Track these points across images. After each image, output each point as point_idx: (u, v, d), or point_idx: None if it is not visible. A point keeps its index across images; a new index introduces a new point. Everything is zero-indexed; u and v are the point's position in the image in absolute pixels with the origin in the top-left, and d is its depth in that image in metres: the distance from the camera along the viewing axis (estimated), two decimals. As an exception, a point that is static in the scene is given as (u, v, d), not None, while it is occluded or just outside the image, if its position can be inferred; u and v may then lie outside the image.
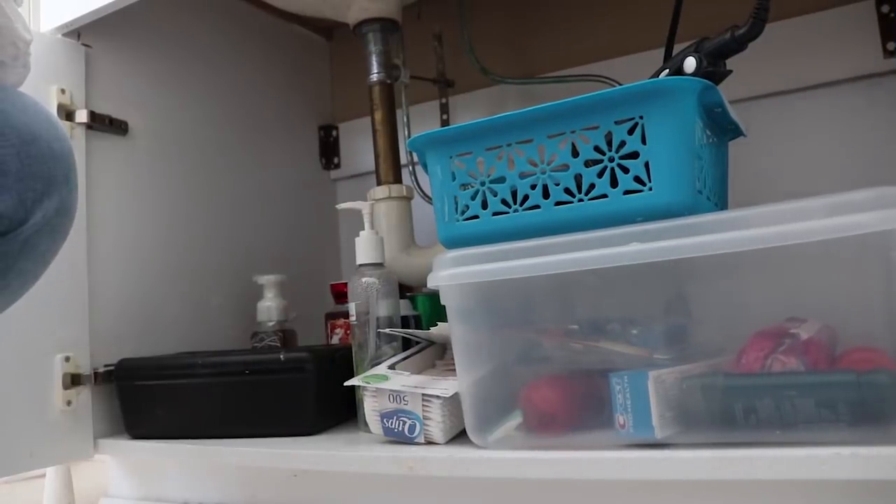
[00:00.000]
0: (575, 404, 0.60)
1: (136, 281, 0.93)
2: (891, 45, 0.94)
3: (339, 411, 0.79)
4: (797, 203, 0.49)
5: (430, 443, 0.65)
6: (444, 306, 0.63)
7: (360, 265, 0.77)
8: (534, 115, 0.62)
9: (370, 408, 0.68)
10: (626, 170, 0.59)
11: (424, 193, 1.07)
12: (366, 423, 0.69)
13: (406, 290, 0.95)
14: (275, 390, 0.76)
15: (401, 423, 0.66)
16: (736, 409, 0.51)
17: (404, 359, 0.73)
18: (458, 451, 0.61)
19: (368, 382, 0.67)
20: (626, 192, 0.59)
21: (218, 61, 1.12)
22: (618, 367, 0.56)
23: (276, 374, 0.76)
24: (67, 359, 0.81)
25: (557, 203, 0.62)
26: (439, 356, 0.78)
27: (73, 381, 0.81)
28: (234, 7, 1.18)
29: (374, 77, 1.03)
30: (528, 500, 0.65)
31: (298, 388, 0.76)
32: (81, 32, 0.89)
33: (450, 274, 0.61)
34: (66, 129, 0.46)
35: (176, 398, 0.80)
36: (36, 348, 0.79)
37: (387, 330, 0.74)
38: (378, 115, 1.03)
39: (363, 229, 0.77)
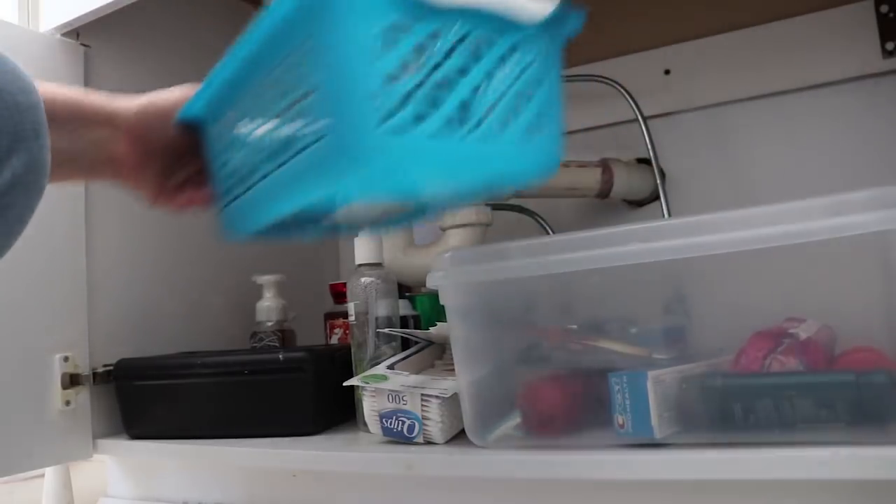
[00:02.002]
0: (574, 404, 0.60)
1: (134, 280, 0.92)
2: (890, 45, 0.93)
3: (339, 411, 0.79)
4: (797, 203, 0.49)
5: (429, 443, 0.65)
6: (443, 306, 0.63)
7: (359, 265, 0.77)
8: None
9: (369, 408, 0.68)
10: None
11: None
12: (365, 423, 0.69)
13: (405, 289, 0.95)
14: (274, 390, 0.76)
15: (400, 422, 0.66)
16: (735, 409, 0.51)
17: (403, 359, 0.72)
18: (457, 451, 0.61)
19: (367, 382, 0.67)
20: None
21: (217, 61, 1.12)
22: (617, 367, 0.56)
23: (275, 374, 0.76)
24: (66, 359, 0.81)
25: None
26: (438, 356, 0.78)
27: (72, 380, 0.81)
28: (234, 6, 1.18)
29: (374, 77, 1.02)
30: (527, 500, 0.65)
31: (297, 388, 0.76)
32: (80, 32, 0.88)
33: (449, 273, 0.61)
34: (34, 82, 0.44)
35: (175, 398, 0.80)
36: (35, 348, 0.79)
37: (386, 330, 0.74)
38: (377, 115, 1.02)
39: (362, 229, 0.77)
